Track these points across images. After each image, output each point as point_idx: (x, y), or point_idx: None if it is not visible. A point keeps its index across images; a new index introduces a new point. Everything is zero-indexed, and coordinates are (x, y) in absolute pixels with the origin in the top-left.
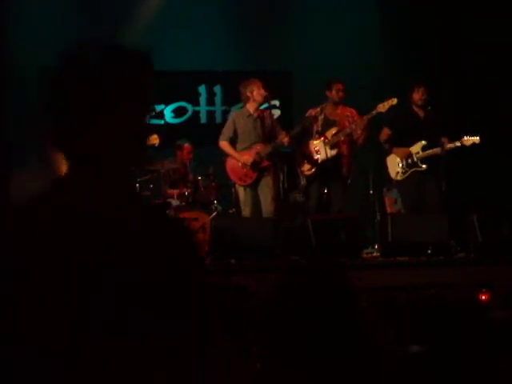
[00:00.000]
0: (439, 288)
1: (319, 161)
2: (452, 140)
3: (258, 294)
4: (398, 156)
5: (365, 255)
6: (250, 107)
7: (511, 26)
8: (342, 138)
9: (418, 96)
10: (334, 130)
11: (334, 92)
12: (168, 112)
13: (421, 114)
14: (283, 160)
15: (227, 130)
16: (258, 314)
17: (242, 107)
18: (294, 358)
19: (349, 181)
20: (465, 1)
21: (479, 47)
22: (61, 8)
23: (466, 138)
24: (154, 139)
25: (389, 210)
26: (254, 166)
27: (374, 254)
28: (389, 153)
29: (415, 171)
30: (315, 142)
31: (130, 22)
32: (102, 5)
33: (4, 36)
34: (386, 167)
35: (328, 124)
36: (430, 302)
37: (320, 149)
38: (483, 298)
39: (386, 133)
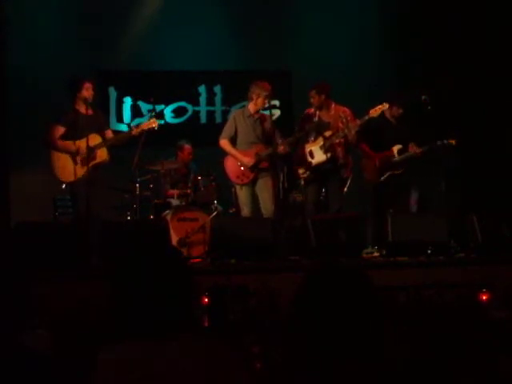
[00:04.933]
0: (439, 288)
1: (313, 164)
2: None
3: (258, 294)
4: (379, 161)
5: (365, 255)
6: (251, 108)
7: (511, 26)
8: (337, 141)
9: (395, 111)
10: (328, 133)
11: (311, 99)
12: (168, 112)
13: (392, 120)
14: (283, 160)
15: (228, 129)
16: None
17: (243, 106)
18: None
19: (348, 181)
20: (465, 1)
21: (479, 47)
22: (60, 9)
23: (438, 142)
24: (153, 123)
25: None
26: (254, 167)
27: (374, 254)
28: (365, 156)
29: (391, 174)
30: (309, 146)
31: (130, 21)
32: (103, 5)
33: (4, 36)
34: (362, 170)
35: (321, 126)
36: (430, 302)
37: (314, 152)
38: (483, 297)
39: (360, 138)
